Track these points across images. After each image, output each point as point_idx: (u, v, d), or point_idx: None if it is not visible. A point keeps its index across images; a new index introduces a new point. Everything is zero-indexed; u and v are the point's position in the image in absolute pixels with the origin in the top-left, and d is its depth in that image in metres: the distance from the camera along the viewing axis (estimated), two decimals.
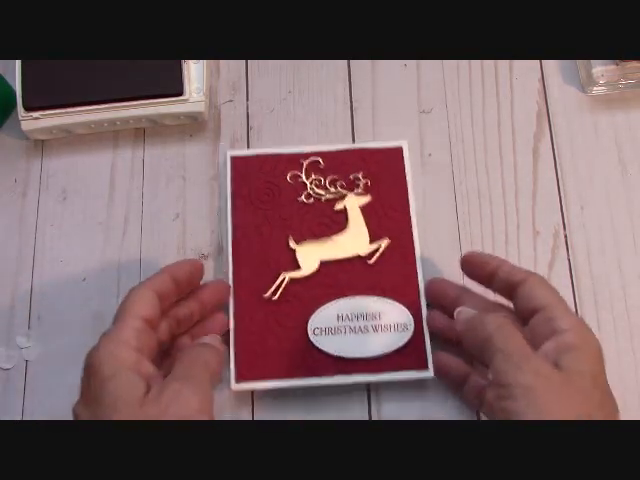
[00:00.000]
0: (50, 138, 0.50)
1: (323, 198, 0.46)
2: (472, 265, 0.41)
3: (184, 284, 0.41)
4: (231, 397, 0.44)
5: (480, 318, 0.37)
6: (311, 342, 0.42)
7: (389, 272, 0.44)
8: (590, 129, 0.49)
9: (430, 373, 0.42)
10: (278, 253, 0.44)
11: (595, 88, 0.49)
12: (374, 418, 0.43)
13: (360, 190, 0.46)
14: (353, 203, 0.45)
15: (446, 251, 0.46)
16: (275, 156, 0.47)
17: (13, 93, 0.49)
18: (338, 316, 0.43)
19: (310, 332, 0.42)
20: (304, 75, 0.51)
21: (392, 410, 0.43)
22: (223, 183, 0.47)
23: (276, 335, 0.43)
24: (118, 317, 0.37)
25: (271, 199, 0.46)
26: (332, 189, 0.46)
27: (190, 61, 0.48)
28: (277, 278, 0.44)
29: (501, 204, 0.47)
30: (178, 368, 0.36)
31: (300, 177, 0.46)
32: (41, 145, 0.50)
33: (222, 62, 0.52)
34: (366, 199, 0.45)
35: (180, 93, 0.48)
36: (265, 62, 0.52)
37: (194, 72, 0.48)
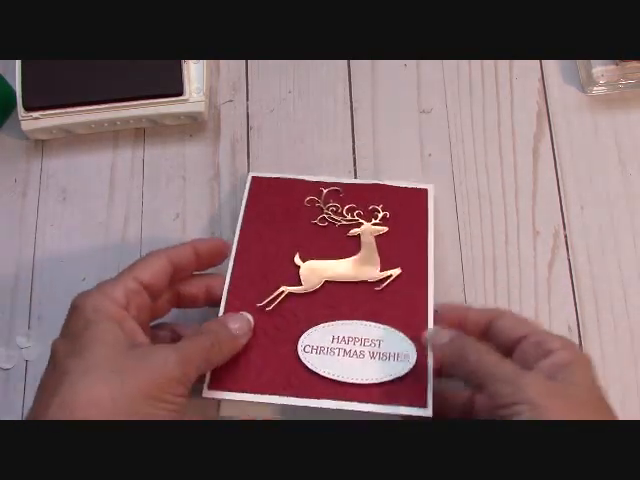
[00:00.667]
0: (50, 138, 0.50)
1: (338, 224, 0.44)
2: (444, 320, 0.40)
3: (206, 260, 0.41)
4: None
5: (461, 344, 0.36)
6: (299, 359, 0.39)
7: (396, 302, 0.41)
8: (590, 129, 0.49)
9: (429, 412, 0.37)
10: (282, 267, 0.42)
11: (595, 88, 0.49)
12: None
13: (377, 221, 0.44)
14: (368, 231, 0.43)
15: (446, 251, 0.46)
16: (295, 181, 0.46)
17: (13, 93, 0.49)
18: (333, 337, 0.40)
19: (300, 348, 0.39)
20: (304, 75, 0.51)
21: None
22: (225, 179, 0.47)
23: (262, 348, 0.40)
24: (122, 271, 0.37)
25: (285, 219, 0.44)
26: (349, 216, 0.44)
27: (190, 61, 0.48)
28: (276, 288, 0.41)
29: (501, 204, 0.47)
30: (181, 342, 0.36)
31: (318, 202, 0.45)
32: (41, 145, 0.50)
33: (222, 62, 0.52)
34: (382, 230, 0.43)
35: (180, 93, 0.48)
36: (265, 62, 0.52)
37: (194, 72, 0.48)
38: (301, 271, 0.42)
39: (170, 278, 0.39)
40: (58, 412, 0.31)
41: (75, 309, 0.35)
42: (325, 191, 0.45)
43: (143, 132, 0.50)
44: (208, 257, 0.41)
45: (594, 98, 0.50)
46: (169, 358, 0.34)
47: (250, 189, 0.45)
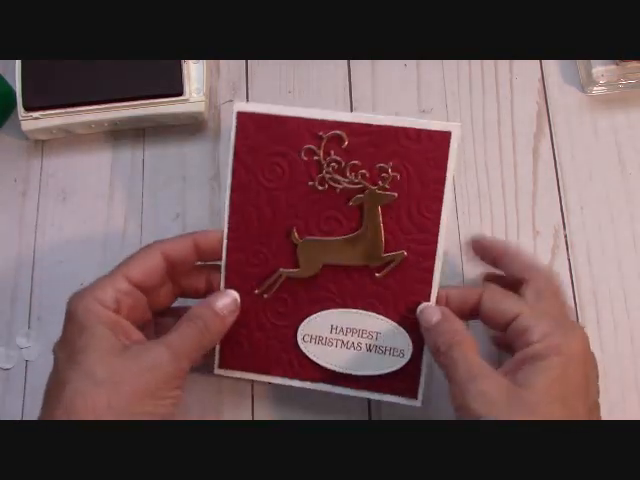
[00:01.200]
0: (50, 138, 0.50)
1: (338, 189, 0.38)
2: (479, 250, 0.41)
3: (208, 253, 0.40)
4: (231, 397, 0.44)
5: (437, 330, 0.37)
6: (299, 348, 0.40)
7: (398, 289, 0.39)
8: (590, 129, 0.49)
9: (418, 403, 0.39)
10: (277, 244, 0.39)
11: (595, 88, 0.49)
12: (374, 418, 0.43)
13: (385, 185, 0.38)
14: (373, 201, 0.38)
15: (446, 251, 0.46)
16: (290, 119, 0.38)
17: (13, 93, 0.49)
18: (332, 327, 0.40)
19: (299, 338, 0.40)
20: (304, 75, 0.51)
21: (392, 410, 0.43)
22: (226, 179, 0.46)
23: (265, 331, 0.40)
24: (114, 269, 0.37)
25: (278, 177, 0.39)
26: (352, 178, 0.38)
27: (190, 61, 0.48)
28: (273, 273, 0.40)
29: (501, 204, 0.47)
30: (171, 334, 0.36)
31: (316, 154, 0.38)
32: (41, 145, 0.50)
33: (222, 62, 0.52)
34: (390, 199, 0.38)
35: (180, 93, 0.48)
36: (265, 62, 0.52)
37: (194, 72, 0.48)
38: (298, 252, 0.39)
39: (167, 273, 0.39)
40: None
41: (69, 313, 0.36)
42: (325, 139, 0.38)
43: (143, 132, 0.50)
44: (210, 250, 0.40)
45: (594, 98, 0.49)
46: (162, 358, 0.34)
47: (237, 133, 0.39)
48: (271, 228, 0.39)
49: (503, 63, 0.51)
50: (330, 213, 0.39)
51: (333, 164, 0.38)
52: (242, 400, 0.44)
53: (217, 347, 0.41)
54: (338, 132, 0.38)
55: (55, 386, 0.34)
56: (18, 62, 0.48)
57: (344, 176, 0.38)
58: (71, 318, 0.35)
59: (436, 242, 0.38)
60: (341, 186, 0.38)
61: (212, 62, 0.51)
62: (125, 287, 0.36)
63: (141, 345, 0.35)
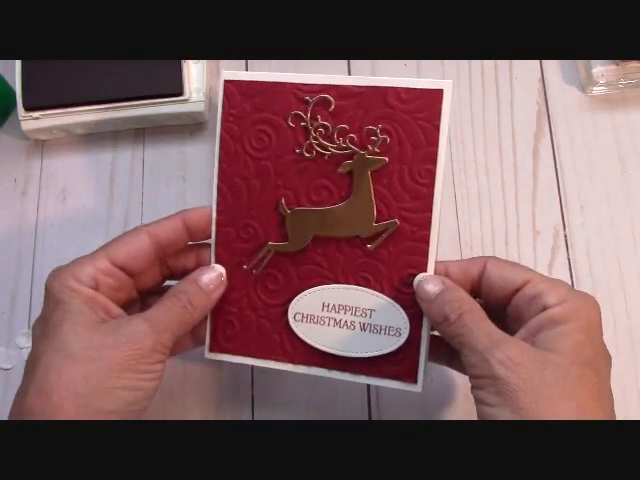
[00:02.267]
0: (50, 138, 0.50)
1: (327, 155, 0.37)
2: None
3: (199, 232, 0.38)
4: (231, 397, 0.44)
5: (442, 300, 0.34)
6: (290, 327, 0.38)
7: (392, 262, 0.37)
8: (590, 129, 0.49)
9: (418, 388, 0.36)
10: (267, 217, 0.38)
11: (595, 88, 0.49)
12: (374, 418, 0.43)
13: (375, 149, 0.36)
14: (363, 166, 0.36)
15: (446, 251, 0.46)
16: (277, 85, 0.37)
17: (13, 93, 0.49)
18: (323, 305, 0.37)
19: (290, 317, 0.38)
20: None
21: (392, 410, 0.43)
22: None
23: (256, 310, 0.39)
24: (98, 248, 0.36)
25: (265, 146, 0.37)
26: (340, 143, 0.36)
27: (190, 61, 0.48)
28: (262, 247, 0.38)
29: (501, 204, 0.47)
30: (152, 309, 0.35)
31: (303, 120, 0.37)
32: (41, 145, 0.50)
33: (222, 62, 0.52)
34: (380, 163, 0.36)
35: (180, 93, 0.48)
36: (265, 62, 0.52)
37: (194, 72, 0.48)
38: (287, 224, 0.38)
39: (155, 255, 0.37)
40: (35, 398, 0.32)
41: (46, 289, 0.35)
42: (312, 103, 0.36)
43: (143, 132, 0.50)
44: (202, 228, 0.38)
45: (594, 98, 0.50)
46: (139, 328, 0.33)
47: (224, 102, 0.38)
48: (260, 200, 0.38)
49: (503, 63, 0.51)
50: (319, 182, 0.37)
51: (320, 129, 0.37)
52: (242, 400, 0.44)
53: (208, 330, 0.39)
54: (325, 95, 0.36)
55: (30, 363, 0.33)
56: (18, 62, 0.48)
57: (332, 142, 0.37)
58: (47, 294, 0.34)
59: (431, 210, 0.36)
60: (329, 152, 0.37)
61: (212, 62, 0.51)
62: (105, 266, 0.35)
63: (120, 319, 0.35)
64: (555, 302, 0.33)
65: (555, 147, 0.49)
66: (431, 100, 0.35)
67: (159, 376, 0.34)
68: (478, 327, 0.32)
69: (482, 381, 0.31)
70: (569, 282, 0.45)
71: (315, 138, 0.37)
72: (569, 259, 0.46)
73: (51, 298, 0.34)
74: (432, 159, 0.36)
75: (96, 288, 0.35)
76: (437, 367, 0.41)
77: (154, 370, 0.34)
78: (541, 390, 0.30)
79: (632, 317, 0.45)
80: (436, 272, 0.36)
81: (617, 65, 0.48)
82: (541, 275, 0.34)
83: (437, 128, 0.35)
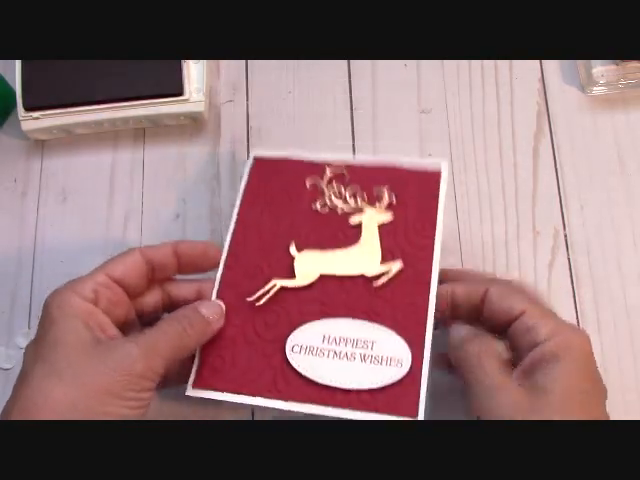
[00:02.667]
0: (50, 138, 0.50)
1: (339, 210, 0.41)
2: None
3: (189, 264, 0.39)
4: None
5: (460, 343, 0.36)
6: (287, 360, 0.37)
7: (395, 300, 0.38)
8: (590, 129, 0.49)
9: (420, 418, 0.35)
10: (276, 258, 0.40)
11: (595, 88, 0.49)
12: None
13: (382, 206, 0.40)
14: (371, 219, 0.40)
15: (446, 251, 0.46)
16: (299, 162, 0.42)
17: (13, 93, 0.49)
18: (324, 337, 0.37)
19: (288, 348, 0.37)
20: (304, 75, 0.51)
21: None
22: (226, 179, 0.47)
23: (250, 345, 0.38)
24: (94, 268, 0.37)
25: (284, 203, 0.41)
26: (351, 202, 0.41)
27: (190, 61, 0.48)
28: (267, 282, 0.39)
29: (501, 204, 0.47)
30: (147, 331, 0.35)
31: (320, 185, 0.42)
32: (41, 145, 0.50)
33: (222, 62, 0.52)
34: (386, 217, 0.40)
35: (180, 93, 0.48)
36: (265, 62, 0.52)
37: (194, 72, 0.48)
38: (295, 263, 0.39)
39: (148, 275, 0.38)
40: (19, 417, 0.32)
41: (44, 308, 0.35)
42: (328, 173, 0.42)
43: (143, 132, 0.50)
44: (191, 260, 0.39)
45: (594, 98, 0.49)
46: (131, 352, 0.33)
47: (250, 171, 0.43)
48: (271, 245, 0.40)
49: (503, 63, 0.51)
50: (331, 232, 0.40)
51: (334, 191, 0.41)
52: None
53: (196, 363, 0.38)
54: (340, 171, 0.42)
55: (19, 381, 0.33)
56: (18, 62, 0.48)
57: (345, 201, 0.41)
58: (44, 312, 0.35)
59: (432, 256, 0.39)
60: (342, 210, 0.41)
61: (212, 62, 0.51)
62: (104, 280, 0.36)
63: (112, 341, 0.34)
64: (545, 337, 0.34)
65: (555, 147, 0.49)
66: (431, 175, 0.41)
67: (145, 404, 0.33)
68: (484, 368, 0.35)
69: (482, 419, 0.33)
70: (569, 282, 0.45)
71: (329, 197, 0.41)
72: (569, 259, 0.46)
73: (47, 317, 0.34)
74: (433, 222, 0.40)
75: (95, 302, 0.35)
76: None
77: (140, 398, 0.33)
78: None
79: (632, 317, 0.45)
80: (442, 294, 0.38)
81: (617, 65, 0.48)
82: (536, 306, 0.35)
83: (436, 197, 0.41)
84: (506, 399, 0.33)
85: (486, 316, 0.37)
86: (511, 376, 0.34)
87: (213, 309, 0.38)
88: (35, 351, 0.34)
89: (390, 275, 0.38)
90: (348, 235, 0.40)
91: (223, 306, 0.39)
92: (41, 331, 0.34)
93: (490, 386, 0.34)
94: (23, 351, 0.35)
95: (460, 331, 0.37)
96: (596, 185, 0.48)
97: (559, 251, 0.46)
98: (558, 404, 0.32)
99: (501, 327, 0.36)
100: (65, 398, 0.31)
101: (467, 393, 0.35)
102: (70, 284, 0.36)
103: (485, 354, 0.35)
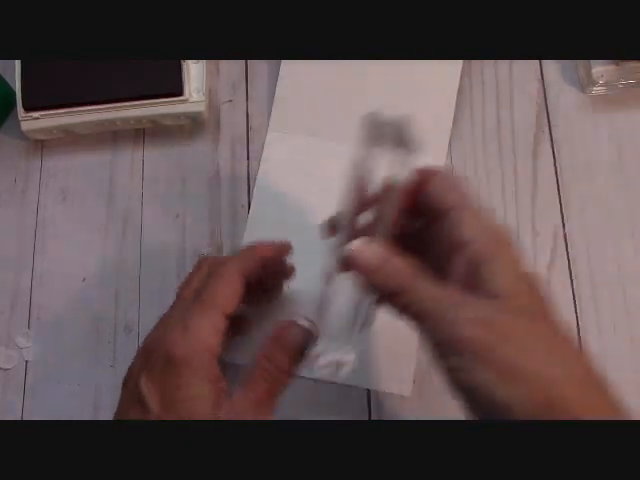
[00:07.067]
0: (50, 138, 0.50)
1: None
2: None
3: (269, 268, 0.38)
4: None
5: (389, 269, 0.31)
6: None
7: None
8: (590, 129, 0.49)
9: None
10: None
11: (595, 88, 0.49)
12: (374, 418, 0.43)
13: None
14: None
15: None
16: None
17: (13, 93, 0.49)
18: None
19: None
20: None
21: (392, 410, 0.43)
22: (225, 179, 0.47)
23: None
24: (203, 298, 0.34)
25: None
26: None
27: (190, 61, 0.48)
28: None
29: (501, 204, 0.47)
30: (240, 390, 0.34)
31: None
32: (41, 145, 0.50)
33: (222, 62, 0.52)
34: None
35: (180, 93, 0.48)
36: (265, 62, 0.52)
37: (194, 72, 0.48)
38: None
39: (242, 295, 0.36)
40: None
41: (172, 360, 0.33)
42: None
43: (143, 132, 0.50)
44: (271, 266, 0.38)
45: (594, 98, 0.49)
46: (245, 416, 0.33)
47: None
48: None
49: (503, 63, 0.51)
50: None
51: None
52: None
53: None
54: None
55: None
56: (18, 62, 0.48)
57: None
58: (174, 365, 0.32)
59: None
60: None
61: (212, 62, 0.51)
62: (223, 325, 0.34)
63: (229, 407, 0.33)
64: (471, 237, 0.31)
65: (555, 147, 0.49)
66: None
67: None
68: (433, 293, 0.30)
69: (451, 347, 0.29)
70: (569, 282, 0.46)
71: None
72: (569, 259, 0.46)
73: (176, 372, 0.32)
74: None
75: (217, 353, 0.34)
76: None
77: None
78: (513, 336, 0.29)
79: (632, 317, 0.45)
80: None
81: (617, 65, 0.48)
82: (466, 202, 0.33)
83: None
84: (476, 308, 0.29)
85: (421, 203, 0.34)
86: (449, 288, 0.31)
87: (296, 339, 0.34)
88: (160, 401, 0.32)
89: None
90: None
91: (306, 325, 0.35)
92: (164, 382, 0.33)
93: (454, 302, 0.30)
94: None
95: (374, 252, 0.32)
96: (596, 185, 0.48)
97: (559, 251, 0.46)
98: (518, 304, 0.30)
99: (430, 217, 0.33)
100: None
101: (422, 321, 0.30)
102: (197, 335, 0.33)
103: (425, 276, 0.31)
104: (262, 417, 0.34)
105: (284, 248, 0.39)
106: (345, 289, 0.34)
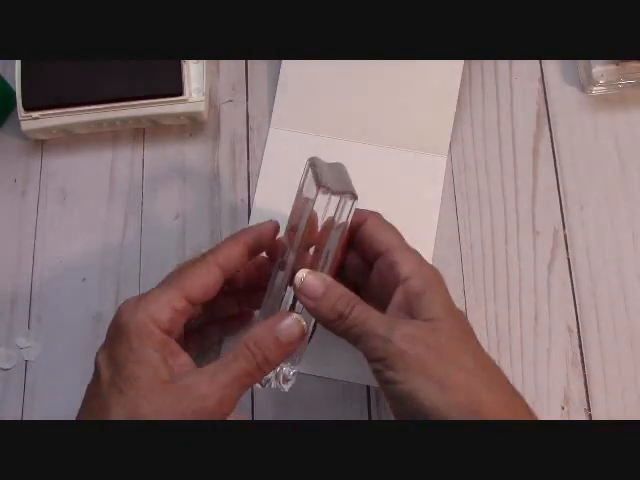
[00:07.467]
0: (50, 138, 0.50)
1: None
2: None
3: (258, 250, 0.38)
4: None
5: (331, 297, 0.35)
6: None
7: None
8: (590, 129, 0.49)
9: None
10: None
11: (595, 88, 0.49)
12: (374, 418, 0.43)
13: None
14: None
15: (446, 251, 0.46)
16: None
17: (13, 93, 0.49)
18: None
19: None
20: None
21: None
22: (225, 179, 0.47)
23: None
24: (170, 281, 0.35)
25: None
26: None
27: (190, 61, 0.48)
28: None
29: (501, 204, 0.47)
30: (219, 366, 0.34)
31: None
32: (41, 145, 0.50)
33: (222, 62, 0.52)
34: None
35: (180, 93, 0.48)
36: (265, 62, 0.52)
37: (194, 72, 0.48)
38: None
39: (223, 288, 0.37)
40: None
41: (119, 326, 0.34)
42: None
43: (143, 132, 0.50)
44: (265, 245, 0.38)
45: (594, 98, 0.49)
46: (207, 397, 0.32)
47: None
48: None
49: (503, 63, 0.51)
50: None
51: None
52: (243, 400, 0.44)
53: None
54: None
55: (98, 409, 0.33)
56: (18, 62, 0.48)
57: None
58: (121, 334, 0.33)
59: None
60: None
61: (212, 62, 0.51)
62: (182, 306, 0.34)
63: (188, 379, 0.33)
64: (409, 273, 0.35)
65: (555, 147, 0.49)
66: None
67: None
68: (371, 315, 0.34)
69: (388, 361, 0.33)
70: (569, 282, 0.46)
71: None
72: (569, 259, 0.46)
73: (124, 341, 0.33)
74: None
75: (171, 331, 0.34)
76: None
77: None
78: (442, 352, 0.33)
79: (632, 317, 0.45)
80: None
81: (617, 65, 0.48)
82: (401, 244, 0.37)
83: None
84: (407, 327, 0.33)
85: (357, 244, 0.38)
86: (387, 314, 0.35)
87: (291, 330, 0.35)
88: (112, 378, 0.33)
89: None
90: None
91: (303, 323, 0.35)
92: (118, 353, 0.33)
93: (388, 323, 0.34)
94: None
95: (318, 285, 0.35)
96: (596, 185, 0.48)
97: (559, 251, 0.46)
98: (447, 323, 0.34)
99: (368, 259, 0.38)
100: None
101: (359, 342, 0.34)
102: (146, 305, 0.34)
103: (363, 303, 0.35)
104: (222, 407, 0.33)
105: (270, 228, 0.38)
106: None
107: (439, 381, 0.32)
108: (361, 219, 0.37)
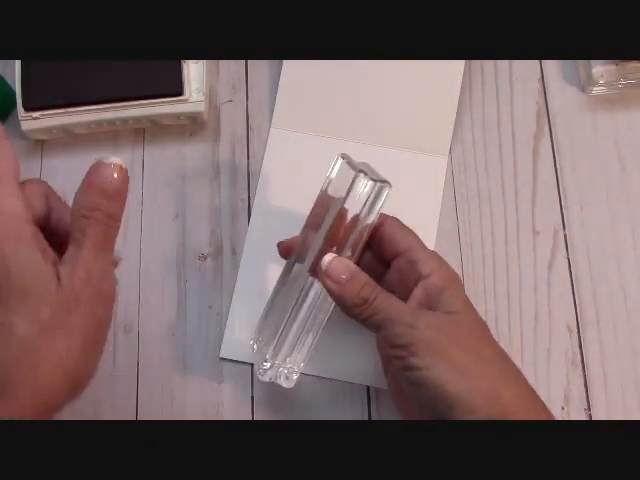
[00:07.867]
0: (50, 138, 0.50)
1: None
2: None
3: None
4: (231, 397, 0.44)
5: (356, 283, 0.36)
6: None
7: None
8: (590, 129, 0.49)
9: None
10: None
11: (595, 88, 0.49)
12: (374, 418, 0.43)
13: None
14: None
15: (446, 251, 0.46)
16: None
17: (13, 93, 0.49)
18: None
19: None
20: None
21: (392, 410, 0.43)
22: (225, 179, 0.47)
23: None
24: None
25: None
26: None
27: (190, 61, 0.48)
28: None
29: (501, 204, 0.47)
30: (69, 248, 0.33)
31: None
32: (41, 145, 0.50)
33: (222, 62, 0.52)
34: None
35: (180, 93, 0.48)
36: (265, 62, 0.52)
37: (194, 72, 0.48)
38: None
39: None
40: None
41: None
42: None
43: (143, 132, 0.50)
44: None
45: (594, 98, 0.50)
46: (104, 281, 0.33)
47: None
48: None
49: (503, 63, 0.51)
50: None
51: None
52: (242, 400, 0.44)
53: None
54: None
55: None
56: (18, 62, 0.48)
57: None
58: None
59: None
60: None
61: (212, 62, 0.51)
62: (19, 191, 0.34)
63: (70, 284, 0.31)
64: (429, 271, 0.37)
65: (555, 147, 0.49)
66: None
67: None
68: (395, 304, 0.36)
69: (414, 347, 0.34)
70: (569, 282, 0.46)
71: None
72: (569, 259, 0.46)
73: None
74: None
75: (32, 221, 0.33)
76: None
77: None
78: (463, 342, 0.35)
79: (632, 317, 0.45)
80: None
81: (617, 65, 0.48)
82: (421, 244, 0.39)
83: None
84: (431, 316, 0.35)
85: (375, 244, 0.40)
86: (409, 304, 0.37)
87: (111, 174, 0.33)
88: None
89: None
90: None
91: (120, 162, 0.34)
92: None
93: (412, 311, 0.36)
94: None
95: (343, 270, 0.36)
96: (596, 185, 0.48)
97: (559, 251, 0.46)
98: (466, 315, 0.36)
99: (386, 258, 0.39)
100: (59, 347, 0.31)
101: (382, 328, 0.36)
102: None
103: (386, 291, 0.36)
104: (102, 263, 0.33)
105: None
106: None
107: (462, 369, 0.34)
108: (380, 221, 0.39)
